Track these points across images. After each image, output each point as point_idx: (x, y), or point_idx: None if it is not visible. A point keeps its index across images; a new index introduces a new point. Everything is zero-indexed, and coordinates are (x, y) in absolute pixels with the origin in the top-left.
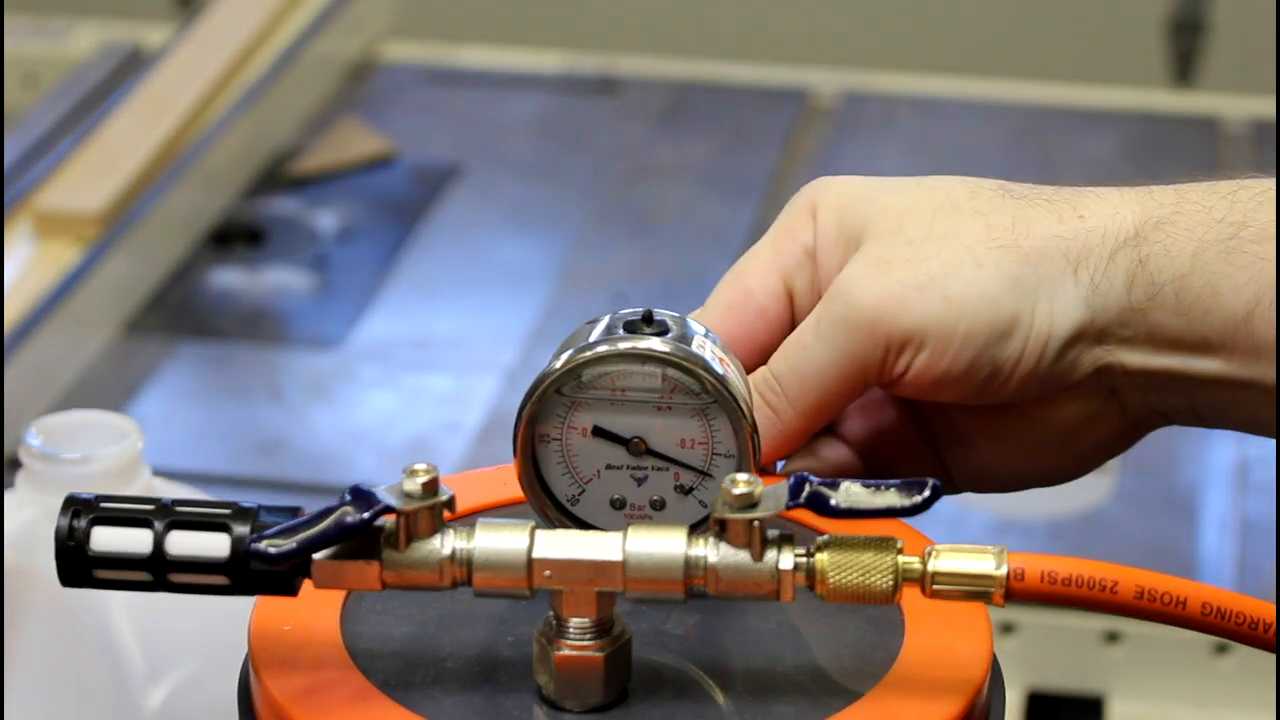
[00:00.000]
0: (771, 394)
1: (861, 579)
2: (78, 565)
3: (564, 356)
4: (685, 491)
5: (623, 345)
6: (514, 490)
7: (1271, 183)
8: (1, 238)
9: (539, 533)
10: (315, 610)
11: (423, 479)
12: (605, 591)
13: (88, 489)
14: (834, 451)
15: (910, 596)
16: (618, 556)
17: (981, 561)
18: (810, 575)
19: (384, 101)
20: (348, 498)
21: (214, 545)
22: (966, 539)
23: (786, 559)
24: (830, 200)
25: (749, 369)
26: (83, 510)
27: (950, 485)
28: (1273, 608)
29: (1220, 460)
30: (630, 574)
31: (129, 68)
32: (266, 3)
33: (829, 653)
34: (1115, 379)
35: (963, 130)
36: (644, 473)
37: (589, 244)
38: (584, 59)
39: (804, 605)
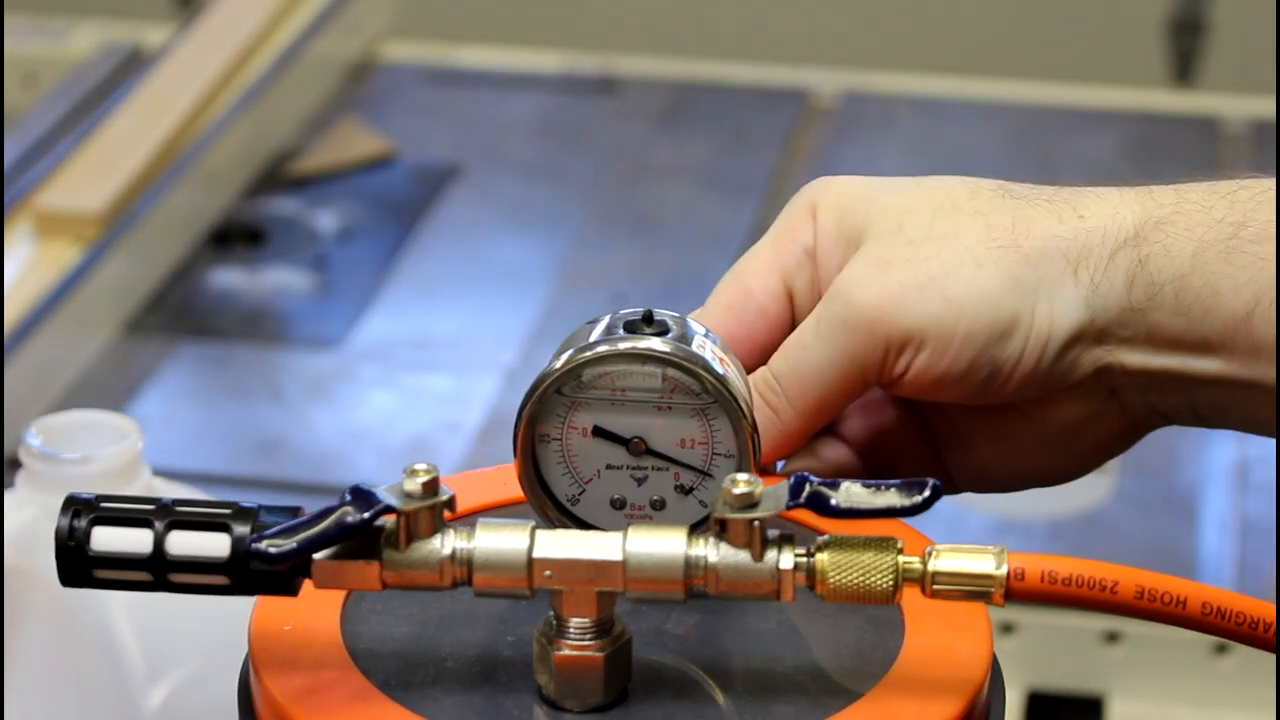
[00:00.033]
0: (771, 394)
1: (862, 579)
2: (78, 565)
3: (564, 356)
4: (685, 491)
5: (623, 345)
6: (514, 490)
7: (1271, 183)
8: (1, 238)
9: (539, 533)
10: (315, 610)
11: (423, 479)
12: (605, 591)
13: (88, 489)
14: (834, 451)
15: (910, 596)
16: (618, 556)
17: (981, 561)
18: (810, 575)
19: (384, 101)
20: (348, 498)
21: (214, 545)
22: (966, 539)
23: (787, 559)
24: (830, 200)
25: (749, 369)
26: (83, 510)
27: (950, 485)
28: (1273, 608)
29: (1220, 460)
30: (630, 574)
31: (129, 68)
32: (266, 3)
33: (829, 653)
34: (1115, 379)
35: (963, 130)
36: (644, 473)
37: (589, 244)
38: (584, 59)
39: (804, 605)
